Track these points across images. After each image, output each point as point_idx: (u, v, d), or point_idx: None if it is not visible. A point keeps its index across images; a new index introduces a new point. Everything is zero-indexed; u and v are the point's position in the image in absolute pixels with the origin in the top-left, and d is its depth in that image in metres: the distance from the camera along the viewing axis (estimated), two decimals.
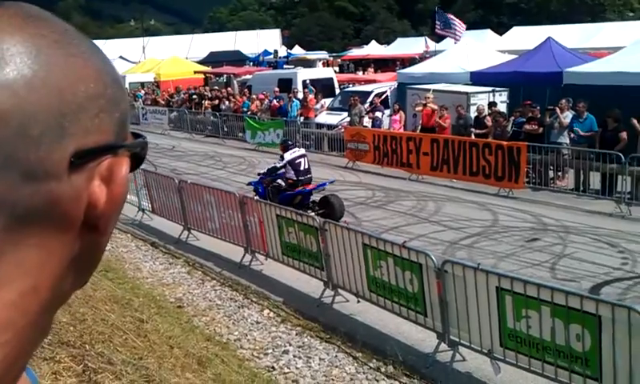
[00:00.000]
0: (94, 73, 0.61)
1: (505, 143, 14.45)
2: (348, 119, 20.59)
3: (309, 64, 39.77)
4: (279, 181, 12.23)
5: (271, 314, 8.31)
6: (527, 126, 15.29)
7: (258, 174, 13.00)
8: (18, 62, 0.55)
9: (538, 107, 15.50)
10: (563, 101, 14.99)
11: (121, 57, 45.09)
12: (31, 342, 0.60)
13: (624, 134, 13.53)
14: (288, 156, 12.17)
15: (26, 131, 0.54)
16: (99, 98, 0.61)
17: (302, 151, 12.72)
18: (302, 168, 12.09)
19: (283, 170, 12.16)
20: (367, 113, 20.46)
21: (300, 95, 24.11)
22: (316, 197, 12.29)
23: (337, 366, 6.89)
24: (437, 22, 29.62)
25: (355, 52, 54.36)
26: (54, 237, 0.58)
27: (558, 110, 14.96)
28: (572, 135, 14.62)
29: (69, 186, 0.57)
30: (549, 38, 21.12)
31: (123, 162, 0.63)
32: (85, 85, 0.59)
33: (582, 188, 13.96)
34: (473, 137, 16.38)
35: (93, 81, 0.60)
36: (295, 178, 12.03)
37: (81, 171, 0.58)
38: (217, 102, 27.18)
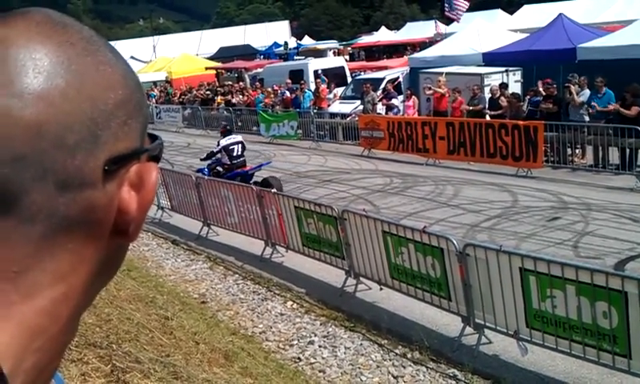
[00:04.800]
0: (121, 79, 0.61)
1: (521, 123, 14.32)
2: (361, 107, 20.52)
3: (319, 54, 39.71)
4: (218, 168, 13.19)
5: (295, 306, 8.33)
6: (543, 105, 15.11)
7: (201, 160, 14.03)
8: (52, 71, 0.56)
9: (555, 85, 15.29)
10: (582, 78, 14.79)
11: (132, 57, 45.21)
12: (61, 346, 0.60)
13: (633, 109, 13.31)
14: (224, 142, 13.33)
15: (62, 141, 0.55)
16: (127, 104, 0.61)
17: (239, 138, 13.73)
18: (234, 154, 13.23)
19: (220, 156, 13.28)
20: (380, 100, 20.38)
21: (312, 86, 24.05)
22: (258, 178, 13.18)
23: (363, 354, 6.90)
24: (445, 4, 29.39)
25: (365, 39, 54.05)
26: (87, 244, 0.59)
27: (572, 88, 14.77)
28: (590, 110, 14.38)
29: (103, 194, 0.58)
30: (560, 14, 20.88)
31: (152, 168, 0.63)
32: (114, 92, 0.60)
33: (601, 164, 13.83)
34: (488, 118, 16.25)
35: (121, 87, 0.61)
36: (229, 163, 13.20)
37: (113, 178, 0.59)
38: (229, 97, 27.19)
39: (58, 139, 0.54)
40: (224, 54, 47.11)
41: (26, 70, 0.55)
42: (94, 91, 0.58)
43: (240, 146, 13.38)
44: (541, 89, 15.41)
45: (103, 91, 0.59)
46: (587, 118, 14.51)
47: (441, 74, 18.98)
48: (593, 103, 14.29)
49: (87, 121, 0.56)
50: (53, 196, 0.54)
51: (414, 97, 19.68)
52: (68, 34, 0.59)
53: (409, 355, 6.80)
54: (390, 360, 6.75)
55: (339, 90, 24.10)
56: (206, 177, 12.42)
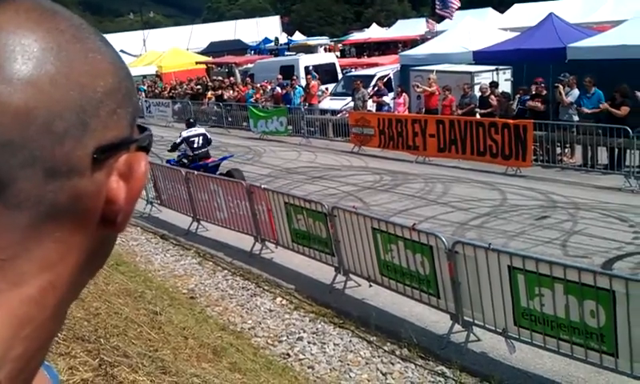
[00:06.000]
0: (111, 67, 0.61)
1: (511, 121, 14.36)
2: (352, 104, 20.52)
3: (310, 50, 39.69)
4: (183, 159, 13.91)
5: (284, 302, 8.32)
6: (531, 103, 15.15)
7: (168, 151, 14.68)
8: (41, 58, 0.55)
9: (543, 85, 15.34)
10: (571, 77, 14.85)
11: (122, 50, 44.80)
12: (49, 335, 0.60)
13: (623, 109, 13.40)
14: (185, 133, 14.02)
15: (51, 128, 0.54)
16: (116, 93, 0.61)
17: (201, 130, 14.45)
18: (195, 145, 13.83)
19: (183, 146, 13.94)
20: (371, 97, 20.38)
21: (303, 82, 24.01)
22: (223, 170, 13.77)
23: (351, 351, 6.90)
24: (437, 2, 29.42)
25: (356, 36, 54.08)
26: (75, 233, 0.58)
27: (560, 88, 14.84)
28: (582, 109, 14.43)
29: (91, 182, 0.58)
30: (551, 13, 20.94)
31: (141, 158, 0.63)
32: (104, 80, 0.59)
33: (590, 164, 13.90)
34: (478, 117, 16.29)
35: (110, 76, 0.60)
36: (192, 154, 13.79)
37: (102, 167, 0.59)
38: (219, 92, 27.11)
39: (47, 126, 0.54)
40: (214, 49, 47.01)
41: (15, 55, 0.54)
42: (83, 78, 0.57)
43: (201, 138, 13.96)
44: (535, 92, 15.42)
45: (92, 79, 0.58)
46: (576, 118, 14.58)
47: (431, 71, 19.00)
48: (582, 108, 14.33)
49: (76, 108, 0.56)
50: (41, 183, 0.54)
51: (404, 94, 19.68)
52: (57, 21, 0.58)
53: (397, 352, 6.81)
54: (379, 357, 6.76)
55: (330, 87, 24.08)
56: (168, 165, 13.26)
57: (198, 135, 13.98)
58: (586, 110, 14.22)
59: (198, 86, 29.55)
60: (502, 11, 42.28)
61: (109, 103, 0.59)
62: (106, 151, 0.59)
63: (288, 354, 6.91)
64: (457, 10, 27.97)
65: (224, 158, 14.46)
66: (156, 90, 33.32)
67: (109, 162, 0.59)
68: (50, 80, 0.55)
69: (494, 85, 17.02)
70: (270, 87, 24.39)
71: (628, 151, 13.06)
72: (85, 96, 0.57)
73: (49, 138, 0.54)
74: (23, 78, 0.54)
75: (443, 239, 6.89)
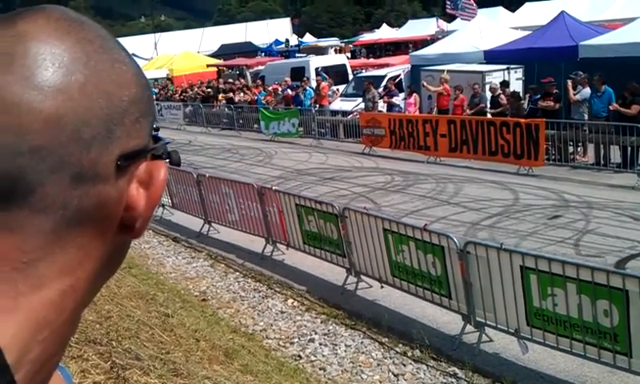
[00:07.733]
0: (135, 77, 0.64)
1: (523, 121, 14.29)
2: (362, 105, 20.51)
3: (321, 51, 39.78)
4: None
5: (295, 304, 8.32)
6: (542, 103, 15.08)
7: None
8: (71, 67, 0.58)
9: (555, 83, 15.24)
10: (583, 75, 14.75)
11: (133, 54, 44.25)
12: (65, 339, 0.62)
13: (633, 108, 13.31)
14: None
15: (79, 135, 0.57)
16: (139, 102, 0.63)
17: None
18: None
19: None
20: (381, 97, 20.35)
21: (313, 83, 24.03)
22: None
23: (363, 352, 6.89)
24: (447, 1, 29.35)
25: (367, 36, 54.09)
26: (95, 238, 0.60)
27: (569, 85, 14.74)
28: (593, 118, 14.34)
29: (114, 189, 0.60)
30: (562, 11, 20.84)
31: (161, 166, 0.66)
32: (129, 90, 0.62)
33: (602, 162, 13.81)
34: (489, 116, 16.22)
35: (134, 85, 0.63)
36: None
37: (124, 174, 0.61)
38: (231, 94, 27.16)
39: (76, 133, 0.56)
40: (225, 52, 47.10)
41: (46, 64, 0.56)
42: (110, 87, 0.60)
43: None
44: (545, 91, 15.32)
45: (118, 88, 0.60)
46: (587, 116, 14.49)
47: (442, 71, 18.95)
48: (594, 108, 14.23)
49: (103, 116, 0.58)
50: (67, 188, 0.56)
51: (415, 94, 19.65)
52: (85, 32, 0.61)
53: (409, 353, 6.79)
54: (391, 358, 6.74)
55: (340, 88, 24.08)
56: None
57: None
58: (600, 114, 14.12)
59: (209, 89, 29.63)
60: (513, 10, 42.13)
61: (133, 112, 0.62)
62: (129, 158, 0.61)
63: (299, 356, 6.91)
64: (474, 12, 27.69)
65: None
66: (167, 93, 33.46)
67: (130, 169, 0.62)
68: (79, 88, 0.57)
69: (504, 84, 16.94)
70: (280, 89, 24.40)
71: None
72: (111, 104, 0.59)
73: (77, 144, 0.56)
74: (54, 85, 0.56)
75: (455, 240, 6.86)
